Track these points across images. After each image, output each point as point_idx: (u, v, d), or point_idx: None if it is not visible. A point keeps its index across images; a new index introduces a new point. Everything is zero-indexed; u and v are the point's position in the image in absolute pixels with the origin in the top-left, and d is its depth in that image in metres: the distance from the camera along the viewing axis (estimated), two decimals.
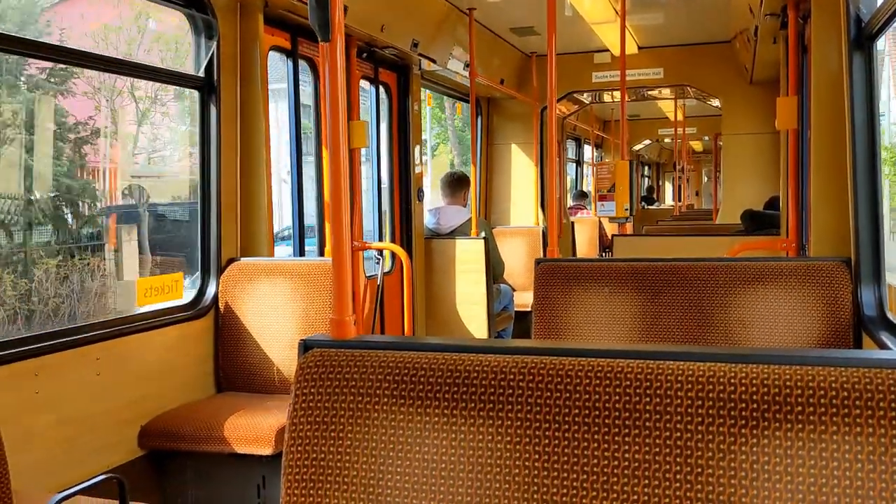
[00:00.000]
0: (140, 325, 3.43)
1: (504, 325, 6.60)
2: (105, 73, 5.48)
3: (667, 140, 16.42)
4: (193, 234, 3.92)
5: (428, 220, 6.34)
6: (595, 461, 1.20)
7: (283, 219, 9.13)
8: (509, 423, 1.25)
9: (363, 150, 5.10)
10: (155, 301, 3.63)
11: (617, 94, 9.18)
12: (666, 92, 10.33)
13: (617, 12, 5.74)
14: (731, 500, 1.14)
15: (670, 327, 2.80)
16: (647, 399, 1.19)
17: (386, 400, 1.32)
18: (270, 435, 3.15)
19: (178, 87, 6.06)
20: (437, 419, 1.29)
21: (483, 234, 6.09)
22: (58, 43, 7.19)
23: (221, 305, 3.80)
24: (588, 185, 13.06)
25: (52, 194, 6.88)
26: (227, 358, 3.80)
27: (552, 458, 1.22)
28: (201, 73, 3.84)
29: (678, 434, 1.17)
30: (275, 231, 4.24)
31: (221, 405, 3.46)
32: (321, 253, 4.80)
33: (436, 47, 5.95)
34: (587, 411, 1.22)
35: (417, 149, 6.11)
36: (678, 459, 1.16)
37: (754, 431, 1.14)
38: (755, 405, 1.15)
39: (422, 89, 6.40)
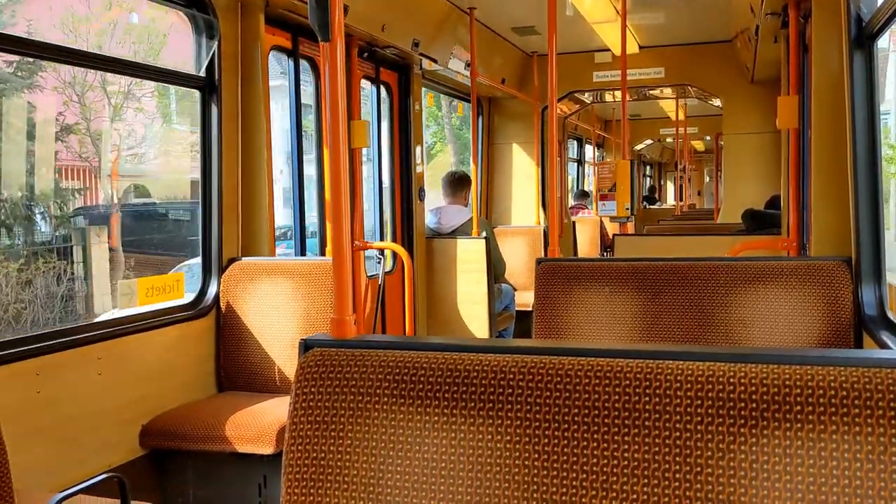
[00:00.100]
0: (141, 325, 3.43)
1: (505, 325, 6.59)
2: (105, 73, 5.47)
3: (668, 140, 16.41)
4: (175, 232, 3.92)
5: (429, 220, 6.33)
6: (595, 461, 1.20)
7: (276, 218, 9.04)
8: (510, 422, 1.25)
9: (364, 150, 5.10)
10: (156, 301, 3.64)
11: (618, 93, 9.18)
12: (667, 91, 10.31)
13: (618, 12, 5.74)
14: (730, 500, 1.14)
15: (671, 327, 2.80)
16: (648, 399, 1.19)
17: (386, 399, 1.32)
18: (271, 434, 3.16)
19: (161, 84, 6.01)
20: (437, 419, 1.29)
21: (484, 234, 6.09)
22: (58, 43, 7.15)
23: (223, 305, 3.81)
24: (589, 185, 13.06)
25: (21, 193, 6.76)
26: (228, 357, 3.80)
27: (552, 458, 1.22)
28: (202, 73, 3.84)
29: (678, 433, 1.17)
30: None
31: (222, 404, 3.46)
32: (322, 252, 4.80)
33: (437, 47, 5.95)
34: (587, 411, 1.22)
35: (419, 148, 6.11)
36: (678, 459, 1.16)
37: (754, 431, 1.14)
38: (755, 405, 1.15)
39: (422, 89, 6.40)
